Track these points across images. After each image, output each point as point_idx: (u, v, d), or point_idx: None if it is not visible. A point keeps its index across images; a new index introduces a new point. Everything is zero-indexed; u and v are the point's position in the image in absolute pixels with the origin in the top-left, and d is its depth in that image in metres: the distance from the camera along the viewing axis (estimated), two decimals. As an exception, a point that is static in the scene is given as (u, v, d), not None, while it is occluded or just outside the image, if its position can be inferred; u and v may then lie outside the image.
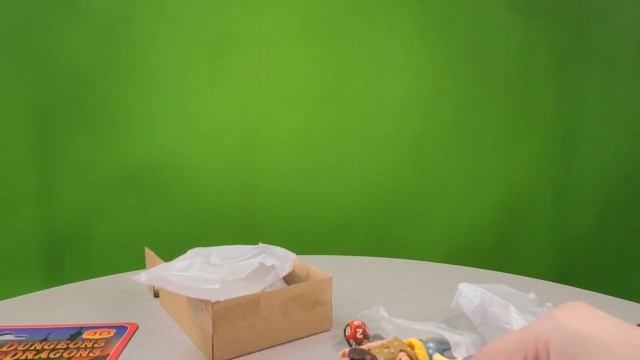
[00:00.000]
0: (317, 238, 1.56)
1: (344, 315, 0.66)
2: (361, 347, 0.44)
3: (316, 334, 0.60)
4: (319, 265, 0.90)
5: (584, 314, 0.22)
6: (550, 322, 0.22)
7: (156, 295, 0.72)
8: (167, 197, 1.44)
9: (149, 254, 0.71)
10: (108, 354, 0.53)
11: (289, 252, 0.62)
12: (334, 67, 1.53)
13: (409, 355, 0.43)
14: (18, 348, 0.54)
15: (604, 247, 1.82)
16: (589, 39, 1.72)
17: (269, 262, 0.59)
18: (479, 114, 1.65)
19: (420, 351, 0.45)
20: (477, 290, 0.56)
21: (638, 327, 0.21)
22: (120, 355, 0.53)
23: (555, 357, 0.21)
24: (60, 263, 1.37)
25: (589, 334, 0.21)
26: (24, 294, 0.73)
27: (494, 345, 0.24)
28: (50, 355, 0.53)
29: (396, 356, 0.43)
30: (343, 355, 0.43)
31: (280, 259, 0.60)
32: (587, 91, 1.74)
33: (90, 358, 0.52)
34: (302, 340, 0.58)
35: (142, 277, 0.53)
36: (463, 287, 0.58)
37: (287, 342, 0.57)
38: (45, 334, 0.58)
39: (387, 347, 0.44)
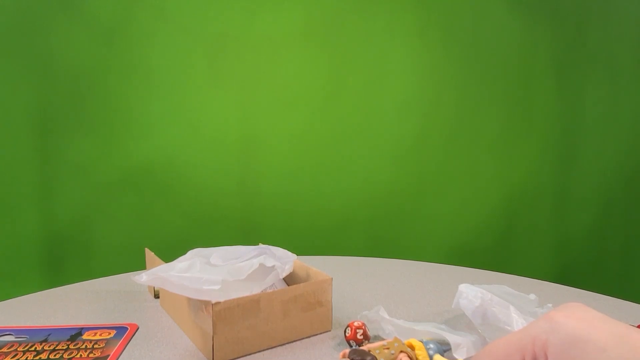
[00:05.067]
0: (318, 239, 1.56)
1: (344, 316, 0.66)
2: (361, 348, 0.44)
3: (316, 334, 0.60)
4: (319, 266, 0.90)
5: (581, 316, 0.22)
6: (547, 324, 0.22)
7: (156, 296, 0.72)
8: (167, 198, 1.44)
9: (149, 254, 0.71)
10: (108, 355, 0.53)
11: (289, 253, 0.62)
12: (334, 68, 1.53)
13: (409, 356, 0.43)
14: (18, 349, 0.54)
15: (604, 248, 1.82)
16: (589, 39, 1.72)
17: (269, 263, 0.59)
18: (479, 114, 1.65)
19: (420, 352, 0.45)
20: (477, 291, 0.56)
21: (635, 329, 0.21)
22: (121, 356, 0.54)
23: (552, 358, 0.21)
24: (61, 264, 1.38)
25: (586, 336, 0.21)
26: (24, 294, 0.73)
27: (491, 347, 0.24)
28: (50, 356, 0.53)
29: (396, 357, 0.43)
30: (343, 356, 0.43)
31: (280, 260, 0.60)
32: (587, 91, 1.74)
33: (91, 359, 0.52)
34: (302, 341, 0.58)
35: (143, 278, 0.53)
36: (463, 287, 0.58)
37: (288, 343, 0.57)
38: (45, 335, 0.58)
39: (388, 348, 0.44)
